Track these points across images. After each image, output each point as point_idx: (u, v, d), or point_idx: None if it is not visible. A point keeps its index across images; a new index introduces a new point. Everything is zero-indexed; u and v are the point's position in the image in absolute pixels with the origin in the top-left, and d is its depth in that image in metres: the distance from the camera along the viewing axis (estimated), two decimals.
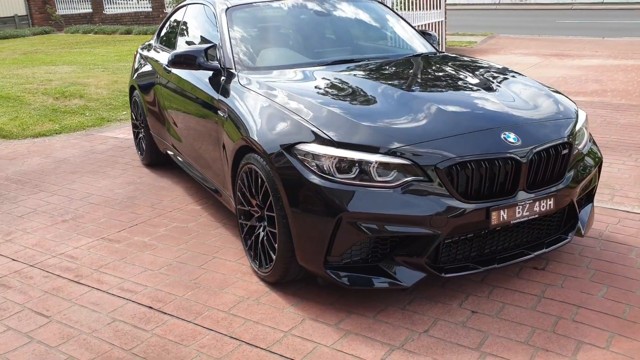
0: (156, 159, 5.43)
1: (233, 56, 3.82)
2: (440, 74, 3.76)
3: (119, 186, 5.02)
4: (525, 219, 2.86)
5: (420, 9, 12.05)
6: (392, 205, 2.70)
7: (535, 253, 3.03)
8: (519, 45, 13.36)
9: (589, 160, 3.24)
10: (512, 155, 2.79)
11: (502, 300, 2.98)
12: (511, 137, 2.85)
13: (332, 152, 2.76)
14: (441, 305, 2.95)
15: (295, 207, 2.82)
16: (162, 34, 5.44)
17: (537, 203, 2.88)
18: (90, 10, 21.54)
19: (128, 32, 18.92)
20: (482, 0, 28.27)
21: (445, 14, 12.56)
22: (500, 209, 2.78)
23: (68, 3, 22.08)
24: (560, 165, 2.98)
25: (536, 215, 2.90)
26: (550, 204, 2.92)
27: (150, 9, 20.06)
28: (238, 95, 3.47)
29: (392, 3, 12.59)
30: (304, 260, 2.88)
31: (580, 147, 3.20)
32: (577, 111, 3.34)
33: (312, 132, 2.87)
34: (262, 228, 3.19)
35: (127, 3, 20.81)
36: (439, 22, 12.24)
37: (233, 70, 3.73)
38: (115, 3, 21.21)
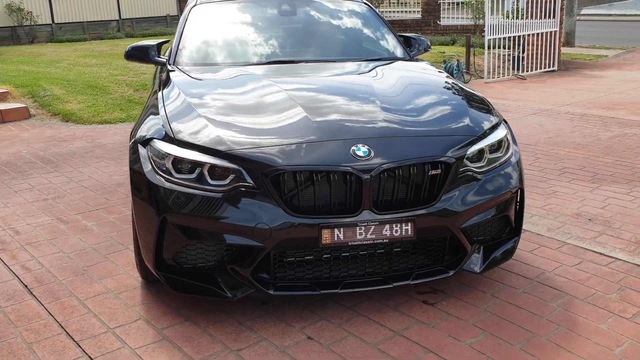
0: None
1: (177, 51, 3.85)
2: (348, 79, 3.50)
3: (121, 173, 5.27)
4: (370, 242, 2.54)
5: (535, 18, 11.19)
6: (217, 212, 2.55)
7: (396, 284, 2.68)
8: None
9: (492, 186, 2.79)
10: (351, 170, 2.49)
11: (353, 330, 2.67)
12: (361, 151, 2.55)
13: (172, 151, 2.67)
14: (283, 325, 2.72)
15: (135, 204, 2.77)
16: None
17: (386, 226, 2.54)
18: None
19: None
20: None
21: (560, 24, 11.50)
22: (334, 228, 2.50)
23: None
24: (427, 187, 2.61)
25: (385, 240, 2.56)
26: (407, 230, 2.57)
27: None
28: (154, 89, 3.49)
29: (507, 11, 11.84)
30: (145, 259, 2.81)
31: (480, 168, 2.77)
32: (489, 129, 2.90)
33: (165, 128, 2.80)
34: None
35: None
36: (551, 32, 11.25)
37: (170, 65, 3.75)
38: None
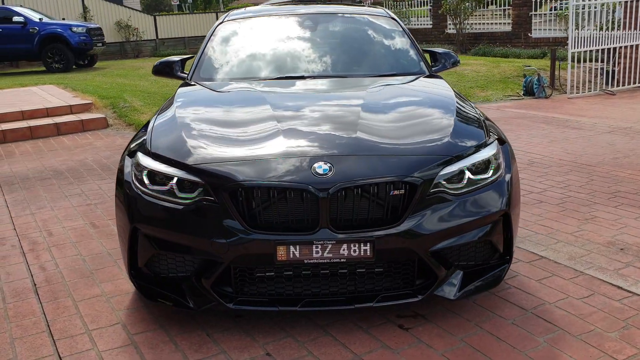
0: None
1: (196, 68, 3.98)
2: (345, 95, 3.45)
3: None
4: (326, 260, 2.49)
5: (631, 29, 10.45)
6: (181, 224, 2.60)
7: (358, 305, 2.60)
8: None
9: (470, 209, 2.64)
10: (307, 187, 2.46)
11: (314, 350, 2.62)
12: (322, 168, 2.51)
13: (147, 163, 2.77)
14: (248, 339, 2.72)
15: (115, 212, 2.89)
16: None
17: (344, 246, 2.48)
18: None
19: None
20: None
21: None
22: (290, 245, 2.47)
23: None
24: (389, 207, 2.52)
25: (343, 260, 2.50)
26: (365, 250, 2.49)
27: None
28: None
29: (599, 25, 11.15)
30: (125, 267, 2.92)
31: (458, 190, 2.64)
32: (474, 149, 2.75)
33: (146, 141, 2.91)
34: None
35: None
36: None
37: (188, 81, 3.89)
38: None
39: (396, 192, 2.51)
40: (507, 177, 2.82)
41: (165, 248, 2.67)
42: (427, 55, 4.34)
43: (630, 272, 3.32)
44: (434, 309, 2.93)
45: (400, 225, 2.52)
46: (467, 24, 16.28)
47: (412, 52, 4.08)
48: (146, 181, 2.73)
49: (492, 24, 16.60)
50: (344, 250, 2.49)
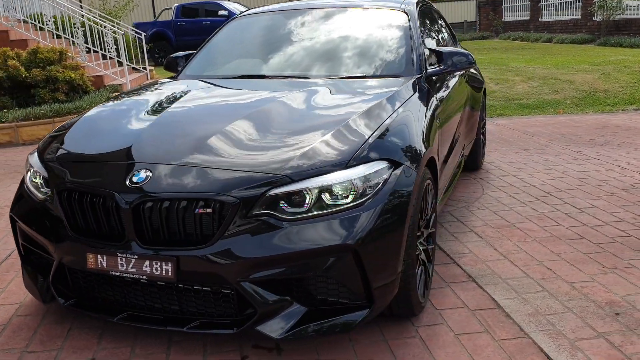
0: None
1: (187, 63, 4.00)
2: (270, 97, 3.05)
3: None
4: (129, 275, 2.32)
5: None
6: (33, 217, 2.66)
7: (170, 328, 2.37)
8: None
9: (302, 238, 2.22)
10: (112, 195, 2.31)
11: None
12: (138, 177, 2.34)
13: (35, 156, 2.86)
14: (92, 340, 2.67)
15: None
16: None
17: (146, 262, 2.28)
18: (528, 18, 21.49)
19: (548, 40, 18.40)
20: None
21: None
22: (98, 254, 2.36)
23: (513, 11, 22.57)
24: (199, 226, 2.25)
25: (144, 277, 2.30)
26: (167, 270, 2.26)
27: (579, 17, 18.72)
28: None
29: None
30: None
31: (293, 215, 2.26)
32: (328, 169, 2.32)
33: None
34: None
35: (561, 11, 19.90)
36: None
37: (176, 76, 3.92)
38: (551, 9, 20.54)
39: (202, 210, 2.23)
40: (376, 208, 2.32)
41: (28, 242, 2.75)
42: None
43: (593, 346, 2.52)
44: (316, 342, 2.57)
45: (209, 248, 2.23)
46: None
47: (402, 52, 3.54)
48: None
49: None
50: (146, 267, 2.29)
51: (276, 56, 3.77)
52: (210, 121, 2.78)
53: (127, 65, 10.69)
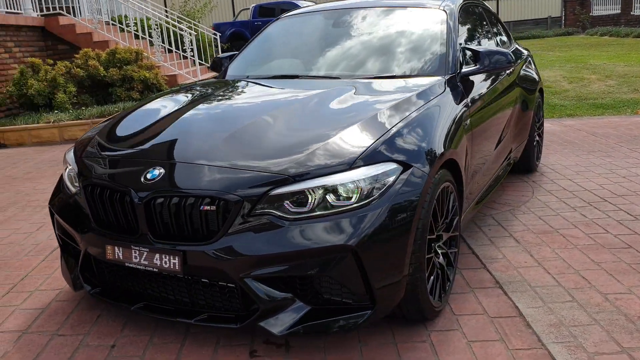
0: None
1: (229, 64, 4.12)
2: (294, 97, 3.11)
3: None
4: (142, 267, 2.44)
5: None
6: (67, 210, 2.83)
7: (179, 319, 2.47)
8: None
9: (303, 237, 2.25)
10: (128, 190, 2.44)
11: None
12: (151, 174, 2.46)
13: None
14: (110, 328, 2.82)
15: None
16: None
17: (157, 255, 2.39)
18: (619, 12, 20.33)
19: (626, 35, 17.41)
20: None
21: None
22: (115, 246, 2.50)
23: (602, 4, 21.44)
24: (204, 223, 2.33)
25: (156, 270, 2.41)
26: (174, 263, 2.36)
27: None
28: None
29: None
30: None
31: (296, 214, 2.29)
32: (335, 169, 2.33)
33: None
34: None
35: None
36: None
37: (219, 76, 4.06)
38: None
39: (206, 208, 2.31)
40: (381, 209, 2.31)
41: (62, 232, 2.94)
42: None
43: None
44: (323, 338, 2.60)
45: (213, 244, 2.31)
46: None
47: (435, 51, 3.48)
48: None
49: None
50: (157, 259, 2.40)
51: (309, 56, 3.82)
52: (225, 121, 2.87)
53: (200, 64, 11.07)
